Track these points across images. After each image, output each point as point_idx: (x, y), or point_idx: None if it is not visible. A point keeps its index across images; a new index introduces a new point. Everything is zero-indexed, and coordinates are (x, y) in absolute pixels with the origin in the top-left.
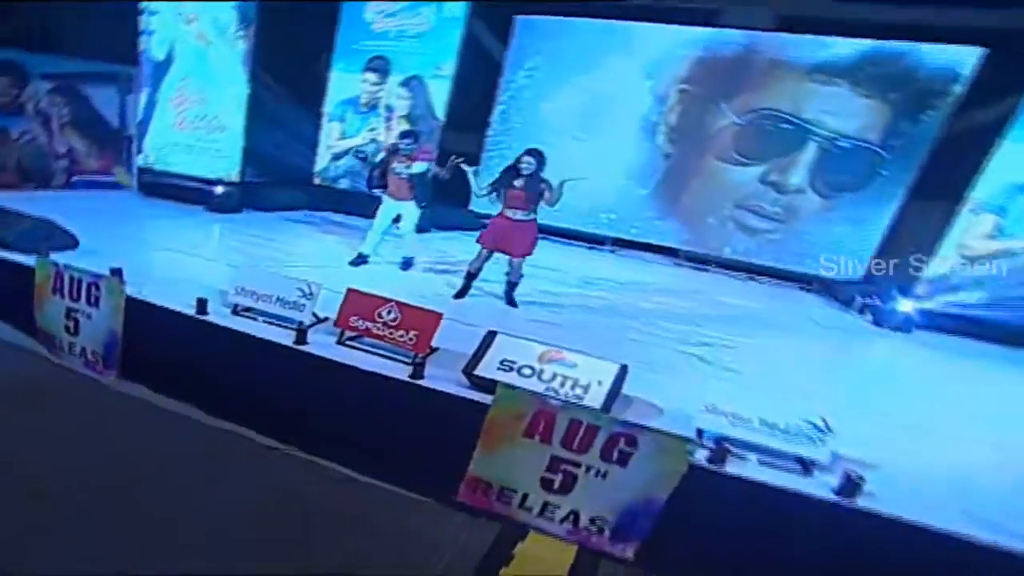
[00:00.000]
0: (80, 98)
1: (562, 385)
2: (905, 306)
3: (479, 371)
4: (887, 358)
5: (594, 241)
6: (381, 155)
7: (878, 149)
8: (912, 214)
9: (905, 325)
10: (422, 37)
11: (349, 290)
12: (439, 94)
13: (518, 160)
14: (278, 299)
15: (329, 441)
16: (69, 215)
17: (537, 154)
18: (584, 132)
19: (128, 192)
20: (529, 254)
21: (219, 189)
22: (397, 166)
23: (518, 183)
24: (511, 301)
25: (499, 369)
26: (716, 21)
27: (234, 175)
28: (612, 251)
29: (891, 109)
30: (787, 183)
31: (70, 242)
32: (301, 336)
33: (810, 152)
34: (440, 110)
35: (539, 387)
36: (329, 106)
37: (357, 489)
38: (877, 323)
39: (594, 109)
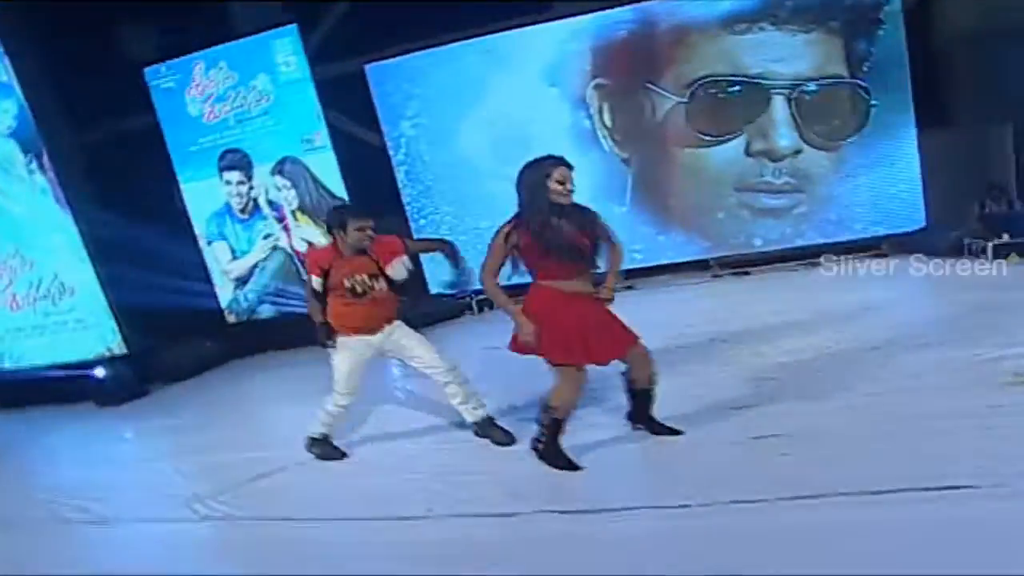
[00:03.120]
0: None
1: None
2: None
3: None
4: None
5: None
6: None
7: (852, 81)
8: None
9: None
10: (270, 112)
11: None
12: (326, 169)
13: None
14: None
15: None
16: None
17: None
18: (510, 166)
19: None
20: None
21: (101, 372)
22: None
23: (560, 221)
24: (650, 421)
25: None
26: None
27: (115, 346)
28: (630, 287)
29: (838, 36)
30: (777, 147)
31: None
32: None
33: (779, 108)
34: (338, 186)
35: None
36: (200, 225)
37: None
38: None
39: (508, 137)
